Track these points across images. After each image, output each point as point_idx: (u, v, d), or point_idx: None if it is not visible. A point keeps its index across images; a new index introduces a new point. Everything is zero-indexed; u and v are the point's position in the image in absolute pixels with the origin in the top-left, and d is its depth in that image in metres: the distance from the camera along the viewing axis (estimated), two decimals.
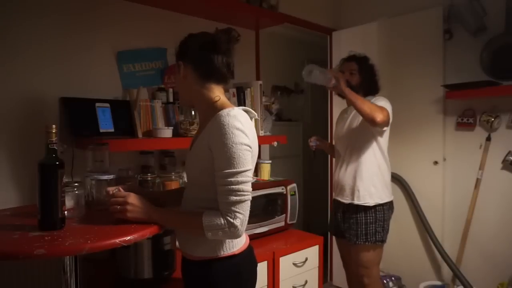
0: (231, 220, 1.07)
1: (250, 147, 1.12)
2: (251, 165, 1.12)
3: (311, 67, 1.99)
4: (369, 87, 2.15)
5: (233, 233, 1.08)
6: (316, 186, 3.81)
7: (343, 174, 2.13)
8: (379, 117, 1.90)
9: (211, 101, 1.20)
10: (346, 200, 2.12)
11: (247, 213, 1.10)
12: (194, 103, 1.27)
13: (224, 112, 1.10)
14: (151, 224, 1.15)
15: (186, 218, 1.16)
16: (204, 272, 1.18)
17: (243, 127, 1.09)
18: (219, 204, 1.09)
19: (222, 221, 1.07)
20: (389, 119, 2.01)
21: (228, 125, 1.07)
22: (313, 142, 2.39)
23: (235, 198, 1.07)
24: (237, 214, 1.07)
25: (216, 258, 1.17)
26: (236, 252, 1.20)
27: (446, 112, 2.65)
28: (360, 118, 2.05)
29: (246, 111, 1.20)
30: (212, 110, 1.16)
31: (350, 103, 1.97)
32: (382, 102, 2.05)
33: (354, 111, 2.13)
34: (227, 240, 1.18)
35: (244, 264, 1.23)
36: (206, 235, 1.08)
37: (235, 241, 1.20)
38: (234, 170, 1.07)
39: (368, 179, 2.07)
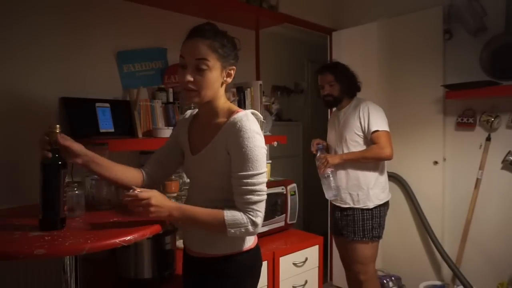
0: (253, 218, 1.13)
1: (265, 149, 1.18)
2: (265, 166, 1.18)
3: (328, 191, 2.20)
4: (351, 89, 2.22)
5: (254, 230, 1.14)
6: (316, 186, 3.80)
7: (342, 182, 2.16)
8: (386, 153, 2.05)
9: (223, 101, 1.23)
10: (344, 205, 2.16)
11: (264, 211, 1.17)
12: (208, 101, 1.21)
13: (243, 117, 1.15)
14: (152, 224, 1.15)
15: (207, 216, 1.14)
16: (222, 267, 1.22)
17: (259, 130, 1.15)
18: (237, 204, 1.14)
19: (245, 219, 1.12)
20: (391, 141, 2.10)
21: (250, 129, 1.12)
22: (319, 147, 2.24)
23: (256, 197, 1.13)
24: (258, 213, 1.14)
25: (238, 253, 1.23)
26: (253, 246, 1.27)
27: (446, 112, 2.65)
28: (354, 127, 2.14)
29: (252, 113, 1.23)
30: (223, 111, 1.21)
31: (356, 162, 2.11)
32: (375, 114, 2.10)
33: (344, 118, 2.18)
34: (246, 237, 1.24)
35: (255, 258, 1.30)
36: (226, 233, 1.12)
37: (250, 237, 1.26)
38: (256, 171, 1.12)
39: (367, 186, 2.13)
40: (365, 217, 2.09)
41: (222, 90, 1.22)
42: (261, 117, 1.29)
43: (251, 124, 1.13)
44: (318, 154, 2.22)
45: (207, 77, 1.15)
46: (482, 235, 2.50)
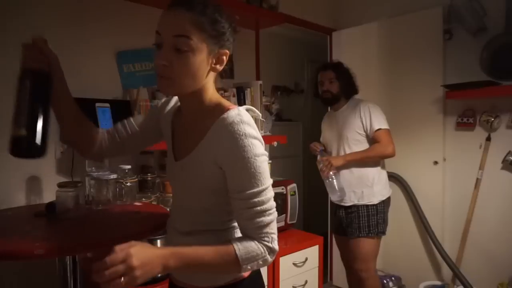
0: (270, 244, 0.88)
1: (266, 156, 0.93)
2: (270, 177, 0.94)
3: (333, 193, 2.19)
4: (349, 90, 2.25)
5: (272, 259, 0.90)
6: (316, 186, 3.80)
7: (346, 180, 2.17)
8: (389, 151, 2.10)
9: (211, 94, 0.96)
10: (348, 203, 2.17)
11: (276, 231, 0.92)
12: (191, 93, 0.93)
13: (235, 117, 0.87)
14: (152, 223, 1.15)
15: (215, 256, 0.85)
16: None
17: (257, 133, 0.89)
18: (246, 231, 0.89)
19: (261, 249, 0.87)
20: (392, 138, 2.15)
21: (245, 134, 0.86)
22: (319, 152, 2.28)
23: (268, 218, 0.88)
24: (273, 236, 0.89)
25: (233, 282, 0.97)
26: (251, 272, 1.00)
27: (446, 112, 2.65)
28: (355, 126, 2.17)
29: (248, 110, 0.97)
30: (210, 108, 0.94)
31: (359, 161, 2.14)
32: (376, 113, 2.14)
33: (344, 118, 2.21)
34: None
35: (256, 286, 1.04)
36: (240, 270, 0.87)
37: None
38: (262, 187, 0.87)
39: (371, 182, 2.15)
40: (370, 213, 2.12)
41: (210, 80, 0.94)
42: (259, 114, 1.03)
43: (246, 127, 0.86)
44: (319, 157, 2.22)
45: (187, 61, 0.86)
46: (482, 235, 2.50)
